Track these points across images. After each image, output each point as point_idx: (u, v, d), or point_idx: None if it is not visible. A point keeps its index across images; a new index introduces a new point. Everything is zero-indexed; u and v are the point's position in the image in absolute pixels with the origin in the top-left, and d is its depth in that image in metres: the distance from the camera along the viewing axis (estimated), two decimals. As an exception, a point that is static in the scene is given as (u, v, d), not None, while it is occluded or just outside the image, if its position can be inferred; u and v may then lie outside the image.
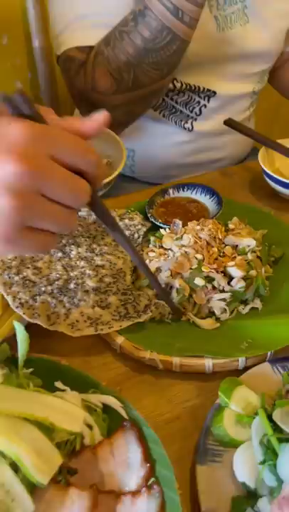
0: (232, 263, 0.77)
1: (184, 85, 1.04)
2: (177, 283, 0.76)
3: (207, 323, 0.74)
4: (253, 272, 0.77)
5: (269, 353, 0.68)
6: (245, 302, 0.77)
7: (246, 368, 0.67)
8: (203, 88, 1.06)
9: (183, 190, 0.96)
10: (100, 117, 0.50)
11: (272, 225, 0.91)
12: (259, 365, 0.66)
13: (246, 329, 0.72)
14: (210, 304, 0.75)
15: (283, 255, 0.85)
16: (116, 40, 0.84)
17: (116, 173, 0.87)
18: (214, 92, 1.08)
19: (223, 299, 0.75)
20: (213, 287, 0.76)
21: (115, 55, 0.84)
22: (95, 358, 0.71)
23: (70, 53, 0.93)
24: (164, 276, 0.77)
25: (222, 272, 0.77)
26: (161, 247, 0.83)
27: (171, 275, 0.77)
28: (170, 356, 0.68)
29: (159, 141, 1.15)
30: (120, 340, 0.70)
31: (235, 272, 0.76)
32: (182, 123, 1.11)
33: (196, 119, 1.11)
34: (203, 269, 0.76)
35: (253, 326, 0.73)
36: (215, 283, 0.76)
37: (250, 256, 0.79)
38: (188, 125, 1.12)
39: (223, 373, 0.67)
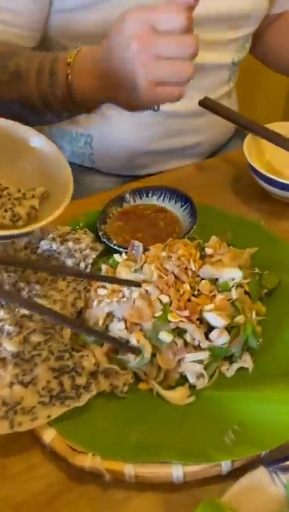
0: (210, 306, 0.55)
1: None
2: (134, 339, 0.54)
3: (177, 396, 0.52)
4: (239, 318, 0.55)
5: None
6: (230, 359, 0.56)
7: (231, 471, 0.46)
8: None
9: (147, 195, 0.73)
10: None
11: (262, 240, 0.69)
12: (251, 473, 0.45)
13: (232, 406, 0.51)
14: (181, 368, 0.54)
15: (279, 284, 0.64)
16: None
17: (55, 213, 0.58)
18: None
19: (200, 361, 0.53)
20: (186, 343, 0.54)
21: None
22: (16, 458, 0.49)
23: None
24: (115, 329, 0.55)
25: (197, 319, 0.55)
26: (116, 280, 0.60)
27: (126, 327, 0.55)
28: (122, 462, 0.46)
29: (120, 123, 0.93)
30: (49, 435, 0.48)
31: (215, 319, 0.54)
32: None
33: None
34: (170, 317, 0.54)
35: (242, 401, 0.51)
36: (187, 337, 0.54)
37: (235, 293, 0.57)
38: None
39: (199, 480, 0.46)
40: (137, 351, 0.53)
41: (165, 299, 0.55)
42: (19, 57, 0.71)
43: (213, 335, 0.54)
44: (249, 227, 0.71)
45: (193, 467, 0.46)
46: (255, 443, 0.47)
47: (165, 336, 0.53)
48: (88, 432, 0.49)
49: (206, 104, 0.85)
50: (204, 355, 0.53)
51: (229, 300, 0.56)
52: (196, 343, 0.54)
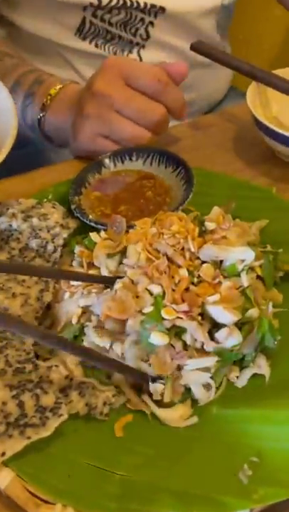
0: (214, 298, 0.42)
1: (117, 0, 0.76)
2: (118, 348, 0.41)
3: (176, 416, 0.40)
4: (253, 312, 0.43)
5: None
6: (240, 363, 0.44)
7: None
8: (145, 4, 0.77)
9: (130, 159, 0.60)
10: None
11: (274, 211, 0.57)
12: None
13: (247, 429, 0.38)
14: (182, 380, 0.41)
15: (298, 264, 0.51)
16: None
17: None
18: (162, 9, 0.78)
19: (206, 368, 0.41)
20: (185, 345, 0.42)
21: None
22: None
23: None
24: (92, 332, 0.43)
25: (199, 314, 0.42)
26: (93, 265, 0.48)
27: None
28: (101, 514, 0.34)
29: None
30: (4, 478, 0.36)
31: (222, 314, 0.42)
32: (125, 54, 0.82)
33: (144, 47, 0.82)
34: (163, 313, 0.41)
35: (260, 422, 0.39)
36: (187, 338, 0.42)
37: (245, 279, 0.44)
38: (133, 55, 0.83)
39: (208, 533, 0.35)
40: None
41: (156, 289, 0.42)
42: None
43: (220, 335, 0.41)
44: (258, 196, 0.59)
45: (199, 519, 0.34)
46: (279, 481, 0.35)
47: (158, 338, 0.41)
48: (57, 472, 0.36)
49: (199, 48, 0.70)
50: (211, 361, 0.41)
51: (238, 288, 0.44)
52: (198, 345, 0.42)
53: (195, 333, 0.41)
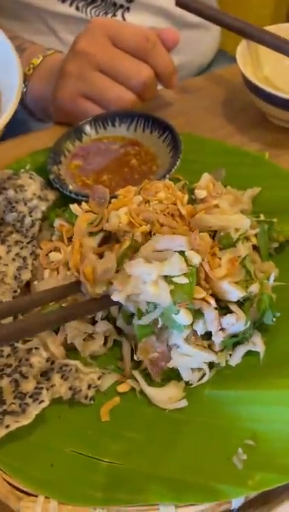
0: (221, 272, 0.39)
1: None
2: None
3: (165, 398, 0.38)
4: (254, 287, 0.40)
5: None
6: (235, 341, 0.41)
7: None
8: None
9: (113, 124, 0.56)
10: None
11: (267, 177, 0.54)
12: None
13: (242, 411, 0.36)
14: (172, 362, 0.38)
15: (292, 234, 0.48)
16: None
17: (5, 117, 0.42)
18: None
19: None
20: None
21: None
22: None
23: None
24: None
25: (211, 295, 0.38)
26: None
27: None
28: (87, 507, 0.32)
29: None
30: (-17, 470, 0.34)
31: (230, 291, 0.38)
32: (109, 17, 0.77)
33: (128, 9, 0.79)
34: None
35: (255, 403, 0.36)
36: (198, 326, 0.38)
37: (243, 249, 0.41)
38: (117, 19, 0.78)
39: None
40: None
41: (196, 258, 0.37)
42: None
43: (228, 320, 0.38)
44: (249, 162, 0.56)
45: (191, 508, 0.32)
46: (276, 466, 0.33)
47: (184, 317, 0.37)
48: (39, 462, 0.34)
49: (185, 4, 0.66)
50: (213, 358, 0.38)
51: (237, 260, 0.40)
52: (205, 330, 0.38)
53: (211, 321, 0.38)
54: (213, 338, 0.38)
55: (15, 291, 0.42)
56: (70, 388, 0.38)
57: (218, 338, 0.38)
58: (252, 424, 0.35)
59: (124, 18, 0.78)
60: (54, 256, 0.44)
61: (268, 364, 0.39)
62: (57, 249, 0.45)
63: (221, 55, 0.99)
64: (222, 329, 0.38)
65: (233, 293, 0.38)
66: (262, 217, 0.48)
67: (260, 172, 0.54)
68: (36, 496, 0.32)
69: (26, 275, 0.43)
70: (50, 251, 0.45)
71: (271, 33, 0.63)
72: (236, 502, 0.32)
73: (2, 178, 0.49)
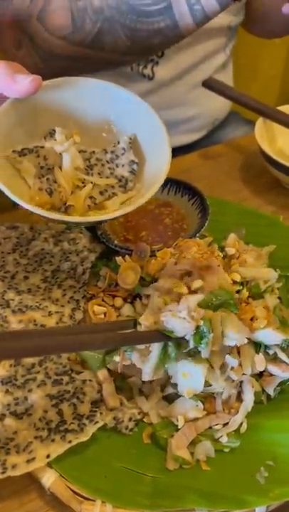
0: (263, 322, 0.46)
1: None
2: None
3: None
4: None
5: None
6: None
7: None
8: None
9: (149, 187, 0.65)
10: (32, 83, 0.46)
11: (280, 237, 0.62)
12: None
13: (263, 437, 0.43)
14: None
15: (304, 287, 0.56)
16: None
17: (140, 202, 0.47)
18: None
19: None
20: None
21: None
22: (9, 503, 0.41)
23: None
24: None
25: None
26: (117, 285, 0.52)
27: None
28: (137, 510, 0.39)
29: None
30: (49, 477, 0.40)
31: (272, 336, 0.45)
32: (140, 68, 0.85)
33: (157, 63, 0.85)
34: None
35: (274, 429, 0.44)
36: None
37: (270, 299, 0.49)
38: (147, 71, 0.85)
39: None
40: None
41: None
42: None
43: (274, 369, 0.46)
44: (265, 223, 0.64)
45: (221, 514, 0.38)
46: (292, 482, 0.40)
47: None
48: (95, 473, 0.41)
49: (210, 85, 0.76)
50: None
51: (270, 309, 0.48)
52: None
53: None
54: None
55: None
56: (114, 418, 0.45)
57: (270, 390, 0.45)
58: (272, 448, 0.42)
59: (152, 72, 0.85)
60: (98, 309, 0.52)
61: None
62: (98, 304, 0.53)
63: (234, 117, 1.08)
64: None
65: (277, 337, 0.45)
66: (278, 271, 0.56)
67: (274, 232, 0.62)
68: (94, 501, 0.39)
69: (79, 315, 0.51)
70: (95, 304, 0.52)
71: (283, 112, 0.73)
72: (259, 510, 0.39)
73: (57, 231, 0.58)
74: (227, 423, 0.44)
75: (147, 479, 0.41)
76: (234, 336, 0.43)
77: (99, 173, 0.48)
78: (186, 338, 0.43)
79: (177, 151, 1.01)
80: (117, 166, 0.49)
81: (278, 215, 0.66)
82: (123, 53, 0.67)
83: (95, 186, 0.48)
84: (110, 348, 0.46)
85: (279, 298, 0.50)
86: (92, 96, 0.50)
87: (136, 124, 0.50)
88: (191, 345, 0.42)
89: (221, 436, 0.43)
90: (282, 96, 1.74)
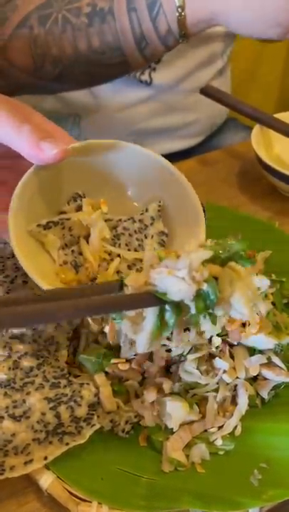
0: (256, 328, 0.46)
1: None
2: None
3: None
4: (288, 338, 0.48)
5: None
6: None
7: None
8: None
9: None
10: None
11: (276, 242, 0.63)
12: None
13: (256, 440, 0.44)
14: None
15: (299, 293, 0.57)
16: (55, 25, 0.62)
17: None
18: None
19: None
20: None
21: (46, 42, 0.62)
22: (6, 504, 0.42)
23: None
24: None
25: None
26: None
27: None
28: (133, 511, 0.40)
29: (110, 100, 0.88)
30: (47, 479, 0.41)
31: (264, 340, 0.46)
32: (138, 74, 0.86)
33: (154, 69, 0.87)
34: None
35: (267, 432, 0.44)
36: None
37: (263, 305, 0.49)
38: (145, 77, 0.87)
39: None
40: None
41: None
42: None
43: (269, 374, 0.46)
44: (261, 228, 0.65)
45: (214, 515, 0.39)
46: (284, 484, 0.41)
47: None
48: (92, 475, 0.42)
49: (207, 92, 0.77)
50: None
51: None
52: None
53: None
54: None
55: (68, 333, 0.50)
56: (111, 421, 0.45)
57: (264, 394, 0.46)
58: (266, 451, 0.43)
59: (150, 78, 0.86)
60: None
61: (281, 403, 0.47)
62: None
63: (232, 123, 1.10)
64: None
65: (270, 342, 0.46)
66: (273, 276, 0.57)
67: (270, 238, 0.63)
68: (91, 502, 0.40)
69: (76, 320, 0.52)
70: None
71: (279, 120, 0.74)
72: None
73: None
74: (222, 426, 0.45)
75: (143, 481, 0.42)
76: (242, 309, 0.36)
77: (126, 244, 0.44)
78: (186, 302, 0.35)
79: (175, 157, 1.03)
80: (145, 236, 0.44)
81: (274, 220, 0.67)
82: (84, 86, 0.73)
83: (123, 260, 0.44)
84: (93, 316, 0.41)
85: (273, 303, 0.51)
86: (124, 161, 0.47)
87: (166, 192, 0.47)
88: (193, 310, 0.35)
89: (216, 439, 0.44)
90: (281, 100, 1.76)
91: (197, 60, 0.89)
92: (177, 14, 0.59)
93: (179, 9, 0.58)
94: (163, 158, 0.48)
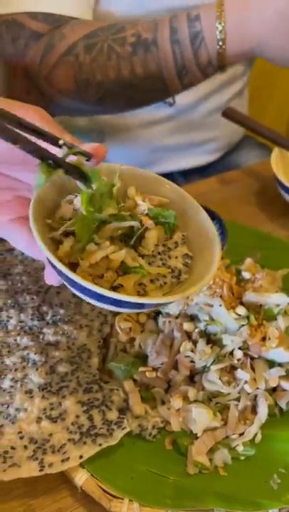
0: (274, 342, 0.50)
1: None
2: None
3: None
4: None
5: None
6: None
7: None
8: None
9: (169, 211, 0.69)
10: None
11: (291, 260, 0.66)
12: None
13: (275, 447, 0.47)
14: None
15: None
16: (100, 54, 0.66)
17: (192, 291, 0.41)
18: None
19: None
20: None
21: (91, 69, 0.66)
22: (43, 500, 0.45)
23: (19, 19, 0.67)
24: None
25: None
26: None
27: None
28: (161, 509, 0.43)
29: (134, 119, 0.91)
30: (82, 477, 0.44)
31: (284, 354, 0.50)
32: None
33: None
34: None
35: (286, 440, 0.48)
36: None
37: (283, 321, 0.53)
38: (169, 98, 0.90)
39: (245, 528, 0.43)
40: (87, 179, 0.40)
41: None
42: (133, 27, 0.65)
43: (286, 385, 0.50)
44: (279, 247, 0.68)
45: (237, 515, 0.42)
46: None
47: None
48: (122, 474, 0.45)
49: (229, 115, 0.81)
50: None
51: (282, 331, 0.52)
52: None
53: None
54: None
55: (99, 341, 0.54)
56: (139, 425, 0.48)
57: (283, 404, 0.50)
58: (284, 457, 0.46)
59: (174, 98, 0.89)
60: (124, 324, 0.54)
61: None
62: (125, 319, 0.56)
63: (248, 141, 1.13)
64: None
65: (288, 356, 0.49)
66: (292, 295, 0.60)
67: (288, 256, 0.67)
68: (122, 499, 0.43)
69: (107, 329, 0.55)
70: (120, 320, 0.56)
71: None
72: (272, 513, 0.43)
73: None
74: (243, 433, 0.48)
75: (170, 482, 0.45)
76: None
77: (149, 263, 0.43)
78: None
79: (192, 172, 1.07)
80: (169, 257, 0.44)
81: (293, 239, 0.71)
82: (125, 109, 0.76)
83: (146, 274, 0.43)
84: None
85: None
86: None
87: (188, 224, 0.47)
88: None
89: (237, 445, 0.47)
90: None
91: (218, 81, 0.92)
92: (218, 47, 0.61)
93: (220, 42, 0.60)
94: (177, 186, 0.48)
